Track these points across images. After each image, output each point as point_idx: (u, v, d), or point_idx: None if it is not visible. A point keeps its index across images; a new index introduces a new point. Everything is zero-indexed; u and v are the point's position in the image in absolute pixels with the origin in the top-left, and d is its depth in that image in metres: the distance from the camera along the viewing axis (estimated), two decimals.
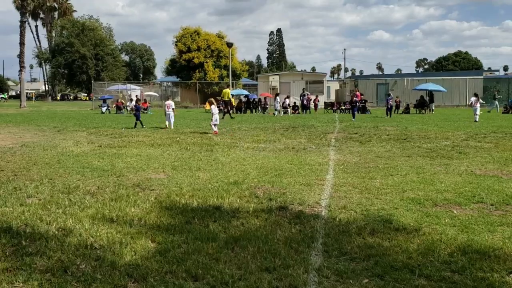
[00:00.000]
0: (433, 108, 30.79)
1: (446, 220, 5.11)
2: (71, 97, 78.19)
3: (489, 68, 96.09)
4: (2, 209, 5.56)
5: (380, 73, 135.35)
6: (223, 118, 23.53)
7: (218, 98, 36.44)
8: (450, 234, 4.62)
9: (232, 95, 35.44)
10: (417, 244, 4.34)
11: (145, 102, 34.12)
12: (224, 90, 27.03)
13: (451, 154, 10.24)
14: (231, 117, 24.32)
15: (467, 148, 11.29)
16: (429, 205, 5.77)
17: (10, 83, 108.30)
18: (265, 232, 4.70)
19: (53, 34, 76.07)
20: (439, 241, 4.44)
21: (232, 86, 40.39)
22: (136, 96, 35.12)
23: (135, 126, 18.04)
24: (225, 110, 25.11)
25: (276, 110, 27.57)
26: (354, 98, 24.51)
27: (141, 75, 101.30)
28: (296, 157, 9.96)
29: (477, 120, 20.44)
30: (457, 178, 7.47)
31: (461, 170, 8.20)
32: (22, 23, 44.42)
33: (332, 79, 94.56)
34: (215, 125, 15.61)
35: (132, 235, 4.59)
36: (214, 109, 16.03)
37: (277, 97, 28.80)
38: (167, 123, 18.06)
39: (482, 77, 46.02)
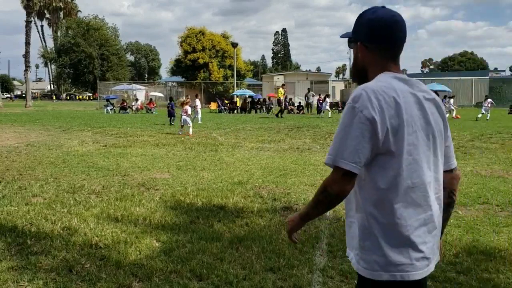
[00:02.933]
0: None
1: (451, 221, 5.08)
2: (80, 97, 78.40)
3: (495, 68, 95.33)
4: (8, 208, 5.58)
5: None
6: (281, 116, 24.85)
7: (220, 96, 36.92)
8: (455, 235, 4.61)
9: (237, 95, 35.57)
10: None
11: (151, 102, 34.26)
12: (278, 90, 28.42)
13: (456, 155, 10.11)
14: (281, 116, 24.97)
15: (472, 148, 11.24)
16: None
17: (15, 82, 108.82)
18: (269, 232, 4.70)
19: (59, 34, 76.35)
20: (444, 241, 4.41)
21: (237, 86, 40.46)
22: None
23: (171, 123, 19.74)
24: (284, 108, 26.39)
25: (324, 111, 27.18)
26: None
27: (146, 75, 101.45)
28: (300, 157, 9.95)
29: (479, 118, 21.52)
30: (462, 179, 7.43)
31: (466, 171, 8.16)
32: (28, 23, 44.60)
33: (337, 79, 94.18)
34: (183, 126, 15.63)
35: (136, 234, 4.60)
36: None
37: (327, 98, 28.69)
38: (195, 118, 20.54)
39: (488, 77, 45.76)
